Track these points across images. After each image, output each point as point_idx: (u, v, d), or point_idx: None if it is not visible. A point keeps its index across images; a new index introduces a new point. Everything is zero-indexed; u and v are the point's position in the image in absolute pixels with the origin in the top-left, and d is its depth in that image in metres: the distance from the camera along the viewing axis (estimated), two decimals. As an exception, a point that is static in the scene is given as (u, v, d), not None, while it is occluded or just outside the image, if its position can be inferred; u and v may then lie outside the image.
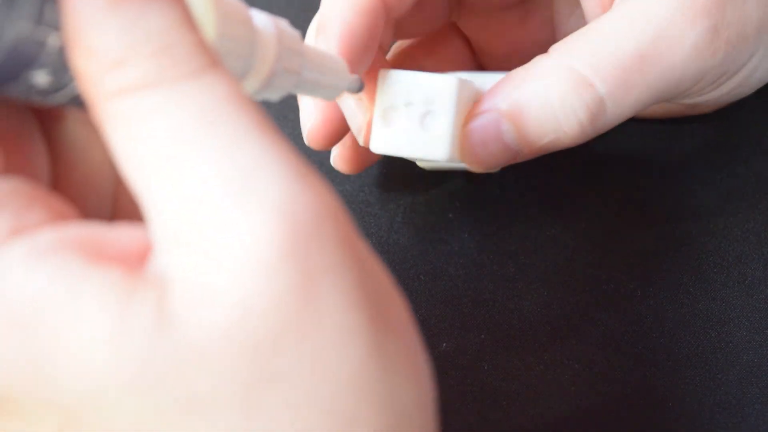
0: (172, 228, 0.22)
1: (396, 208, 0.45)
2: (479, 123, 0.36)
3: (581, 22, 0.42)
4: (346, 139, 0.42)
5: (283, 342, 0.21)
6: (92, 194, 0.26)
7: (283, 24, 0.30)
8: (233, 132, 0.22)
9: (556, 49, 0.37)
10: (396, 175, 0.46)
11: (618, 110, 0.36)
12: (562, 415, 0.41)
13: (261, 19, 0.29)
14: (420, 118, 0.36)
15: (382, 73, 0.37)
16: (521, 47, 0.44)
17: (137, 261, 0.22)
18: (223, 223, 0.21)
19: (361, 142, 0.39)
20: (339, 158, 0.42)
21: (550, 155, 0.46)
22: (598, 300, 0.43)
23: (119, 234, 0.23)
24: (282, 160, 0.22)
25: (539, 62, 0.37)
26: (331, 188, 0.23)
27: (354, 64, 0.36)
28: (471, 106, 0.37)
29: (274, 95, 0.31)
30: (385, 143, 0.37)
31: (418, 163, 0.44)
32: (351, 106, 0.38)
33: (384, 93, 0.37)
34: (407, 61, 0.44)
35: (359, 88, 0.35)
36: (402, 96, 0.36)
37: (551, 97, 0.36)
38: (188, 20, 0.22)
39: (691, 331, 0.43)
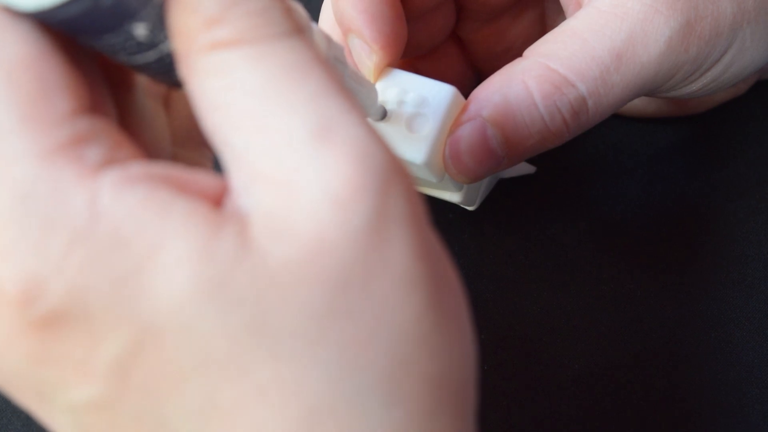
0: (253, 168, 0.23)
1: (396, 208, 0.45)
2: (465, 131, 0.36)
3: None
4: None
5: (352, 279, 0.22)
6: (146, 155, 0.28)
7: (329, 35, 0.31)
8: (316, 87, 0.23)
9: (533, 51, 0.37)
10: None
11: (599, 109, 0.37)
12: (562, 415, 0.41)
13: (314, 26, 0.30)
14: (409, 118, 0.36)
15: (385, 69, 0.37)
16: (514, 45, 0.44)
17: (215, 201, 0.23)
18: (305, 162, 0.22)
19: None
20: None
21: (550, 155, 0.46)
22: (598, 300, 0.43)
23: (198, 176, 0.24)
24: (360, 116, 0.23)
25: (516, 66, 0.37)
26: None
27: (386, 49, 0.37)
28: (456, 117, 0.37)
29: None
30: None
31: None
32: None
33: (381, 88, 0.37)
34: (401, 62, 0.44)
35: (383, 116, 0.37)
36: (397, 95, 0.37)
37: (535, 98, 0.36)
38: None
39: (691, 331, 0.43)
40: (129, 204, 0.22)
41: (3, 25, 0.23)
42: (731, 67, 0.39)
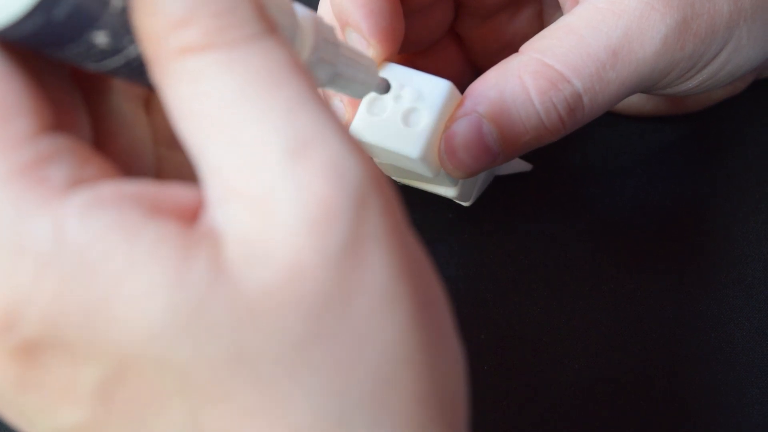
0: (228, 184, 0.22)
1: (396, 208, 0.45)
2: (460, 126, 0.37)
3: None
4: None
5: (331, 302, 0.22)
6: (132, 170, 0.27)
7: (318, 16, 0.31)
8: (291, 96, 0.22)
9: (529, 47, 0.37)
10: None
11: (595, 105, 0.37)
12: (562, 415, 0.41)
13: (299, 9, 0.30)
14: (405, 113, 0.36)
15: (382, 64, 0.37)
16: (512, 42, 0.44)
17: (190, 217, 0.23)
18: (280, 181, 0.22)
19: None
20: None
21: (550, 155, 0.46)
22: (598, 300, 0.43)
23: (172, 191, 0.23)
24: (336, 128, 0.23)
25: (513, 61, 0.37)
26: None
27: (384, 43, 0.37)
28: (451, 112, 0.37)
29: None
30: (365, 129, 0.37)
31: (393, 177, 0.44)
32: (337, 103, 0.39)
33: None
34: (399, 58, 0.44)
35: (386, 89, 0.36)
36: (393, 88, 0.37)
37: (531, 94, 0.36)
38: None
39: (691, 331, 0.43)
40: (95, 228, 0.22)
41: None
42: (727, 65, 0.39)
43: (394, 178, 0.44)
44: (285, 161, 0.22)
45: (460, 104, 0.37)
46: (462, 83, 0.39)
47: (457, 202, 0.42)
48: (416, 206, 0.45)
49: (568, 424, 0.41)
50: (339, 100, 0.38)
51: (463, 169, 0.37)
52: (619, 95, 0.37)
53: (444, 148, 0.37)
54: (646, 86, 0.38)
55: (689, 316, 0.43)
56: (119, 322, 0.21)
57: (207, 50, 0.22)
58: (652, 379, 0.42)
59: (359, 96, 0.34)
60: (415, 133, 0.36)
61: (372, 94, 0.37)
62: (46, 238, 0.21)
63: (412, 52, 0.44)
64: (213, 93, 0.22)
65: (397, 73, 0.37)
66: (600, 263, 0.44)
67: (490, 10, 0.44)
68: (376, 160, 0.41)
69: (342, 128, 0.23)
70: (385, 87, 0.36)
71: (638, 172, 0.46)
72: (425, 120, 0.36)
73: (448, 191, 0.41)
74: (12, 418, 0.24)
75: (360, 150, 0.23)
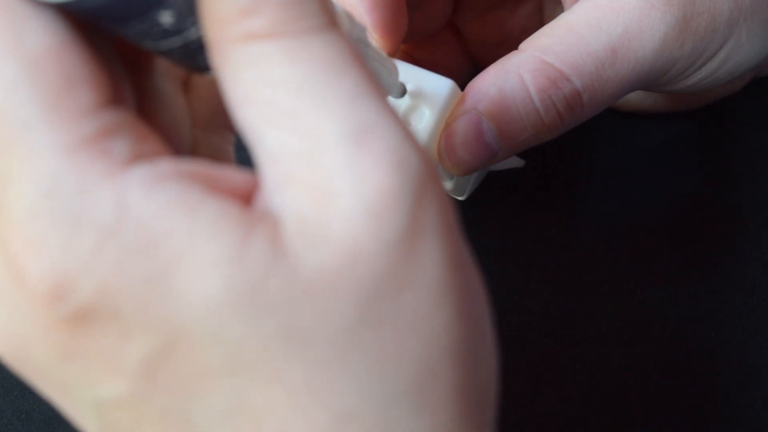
0: (286, 168, 0.22)
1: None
2: (460, 123, 0.37)
3: None
4: None
5: (385, 289, 0.22)
6: (171, 149, 0.27)
7: (351, 14, 0.31)
8: (352, 86, 0.23)
9: (528, 44, 0.38)
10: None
11: (594, 103, 0.37)
12: (563, 414, 0.41)
13: (338, 8, 0.30)
14: (406, 110, 0.36)
15: None
16: (511, 36, 0.44)
17: (245, 199, 0.23)
18: (340, 167, 0.22)
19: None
20: None
21: (550, 155, 0.46)
22: (598, 300, 0.43)
23: (228, 172, 0.24)
24: (395, 119, 0.23)
25: (513, 59, 0.37)
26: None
27: (387, 37, 0.37)
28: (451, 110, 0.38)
29: None
30: None
31: None
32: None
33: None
34: (399, 53, 0.44)
35: (402, 93, 0.36)
36: None
37: (530, 92, 0.36)
38: None
39: (691, 331, 0.43)
40: (158, 204, 0.22)
41: (25, 15, 0.23)
42: (727, 63, 0.39)
43: None
44: (346, 147, 0.22)
45: (460, 102, 0.37)
46: (460, 76, 0.39)
47: (452, 195, 0.43)
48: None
49: (569, 424, 0.41)
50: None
51: (462, 166, 0.37)
52: (618, 93, 0.37)
53: (444, 145, 0.37)
54: (645, 84, 0.38)
55: (689, 316, 0.43)
56: (176, 297, 0.22)
57: (272, 38, 0.23)
58: (652, 378, 0.42)
59: None
60: (416, 131, 0.36)
61: None
62: (108, 211, 0.22)
63: (411, 43, 0.44)
64: (276, 79, 0.22)
65: (399, 70, 0.37)
66: (600, 263, 0.44)
67: (489, 4, 0.44)
68: None
69: (400, 120, 0.23)
70: (402, 91, 0.37)
71: (637, 171, 0.46)
72: (427, 118, 0.36)
73: (443, 185, 0.41)
74: (47, 388, 0.24)
75: (416, 142, 0.23)
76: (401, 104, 0.37)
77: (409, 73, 0.37)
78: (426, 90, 0.37)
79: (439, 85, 0.37)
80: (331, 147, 0.22)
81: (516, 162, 0.45)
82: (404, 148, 0.23)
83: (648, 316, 0.43)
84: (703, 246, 0.44)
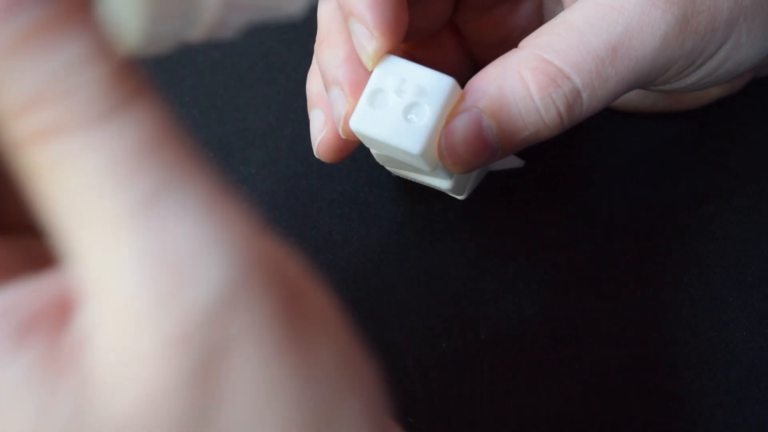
0: (94, 287, 0.21)
1: (396, 208, 0.45)
2: (460, 121, 0.37)
3: None
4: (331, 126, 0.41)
5: (190, 424, 0.21)
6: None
7: None
8: (153, 183, 0.21)
9: (528, 42, 0.37)
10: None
11: (593, 101, 0.37)
12: (563, 415, 0.41)
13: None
14: (406, 108, 0.36)
15: (384, 56, 0.37)
16: (511, 35, 0.44)
17: (64, 311, 0.22)
18: (140, 290, 0.21)
19: (340, 131, 0.39)
20: (322, 144, 0.41)
21: (549, 155, 0.46)
22: (598, 300, 0.43)
23: (47, 287, 0.22)
24: (204, 210, 0.21)
25: (513, 57, 0.37)
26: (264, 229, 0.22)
27: (388, 35, 0.37)
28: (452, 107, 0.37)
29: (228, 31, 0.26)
30: (364, 122, 0.37)
31: (388, 167, 0.44)
32: (334, 94, 0.38)
33: (379, 75, 0.37)
34: (399, 51, 0.44)
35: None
36: (395, 82, 0.37)
37: (530, 90, 0.36)
38: (99, 47, 0.21)
39: (691, 331, 0.43)
40: None
41: None
42: (726, 62, 0.39)
43: (389, 168, 0.44)
44: (145, 267, 0.20)
45: (460, 100, 0.37)
46: (459, 75, 0.39)
47: (451, 195, 0.43)
48: (417, 207, 0.45)
49: (568, 424, 0.41)
50: (340, 90, 0.38)
51: (462, 164, 0.37)
52: (618, 92, 0.37)
53: (444, 144, 0.37)
54: (645, 83, 0.38)
55: (689, 316, 0.43)
56: None
57: (61, 135, 0.20)
58: (652, 379, 0.42)
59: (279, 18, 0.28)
60: (416, 129, 0.36)
61: (374, 86, 0.37)
62: None
63: (411, 42, 0.44)
64: (72, 186, 0.20)
65: (399, 67, 0.37)
66: (600, 263, 0.44)
67: (490, 3, 0.44)
68: (373, 151, 0.41)
69: (215, 200, 0.21)
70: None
71: (636, 171, 0.46)
72: (427, 116, 0.36)
73: (443, 183, 0.41)
74: None
75: (239, 223, 0.21)
76: (402, 101, 0.36)
77: (409, 71, 0.37)
78: (426, 87, 0.36)
79: (439, 82, 0.36)
80: (131, 264, 0.20)
81: (516, 162, 0.45)
82: (207, 255, 0.20)
83: (647, 315, 0.43)
84: (703, 246, 0.44)
